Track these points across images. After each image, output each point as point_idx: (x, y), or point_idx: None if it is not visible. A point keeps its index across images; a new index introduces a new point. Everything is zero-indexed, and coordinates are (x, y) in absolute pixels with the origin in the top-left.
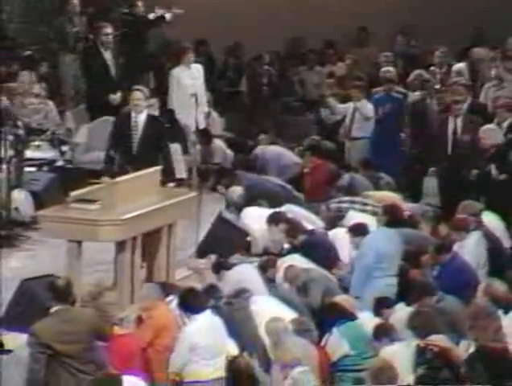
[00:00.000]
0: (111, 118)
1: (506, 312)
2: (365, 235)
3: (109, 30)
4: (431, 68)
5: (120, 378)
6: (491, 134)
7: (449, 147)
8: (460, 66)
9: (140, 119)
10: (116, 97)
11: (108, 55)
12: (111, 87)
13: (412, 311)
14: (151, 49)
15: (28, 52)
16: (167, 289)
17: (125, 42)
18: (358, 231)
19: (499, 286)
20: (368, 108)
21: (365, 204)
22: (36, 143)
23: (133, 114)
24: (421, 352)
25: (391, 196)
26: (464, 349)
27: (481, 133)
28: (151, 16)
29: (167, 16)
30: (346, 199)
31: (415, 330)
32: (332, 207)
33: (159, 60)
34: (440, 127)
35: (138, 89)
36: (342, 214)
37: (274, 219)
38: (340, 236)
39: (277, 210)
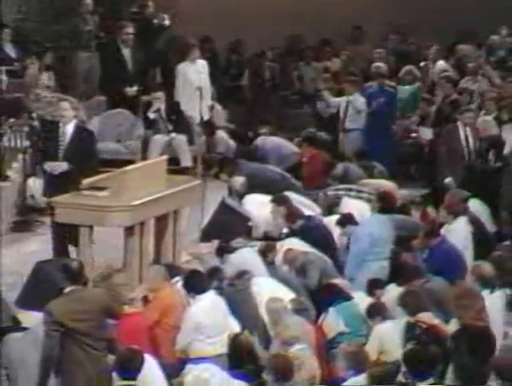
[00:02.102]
0: (122, 110)
1: (492, 292)
2: (353, 223)
3: (130, 29)
4: (421, 64)
5: (141, 351)
6: (487, 126)
7: (466, 157)
8: (442, 63)
9: (67, 129)
10: (132, 90)
11: (126, 52)
12: (128, 81)
13: (403, 291)
14: (159, 45)
15: (42, 49)
16: (173, 270)
17: (135, 39)
18: (346, 221)
19: (486, 267)
20: (360, 101)
21: (361, 192)
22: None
23: (60, 124)
24: (410, 328)
25: (387, 184)
26: (453, 326)
27: (478, 125)
28: (155, 21)
29: (166, 22)
30: (343, 186)
31: (405, 308)
32: (329, 194)
33: (166, 56)
34: (452, 137)
35: (65, 99)
36: (339, 201)
37: (277, 201)
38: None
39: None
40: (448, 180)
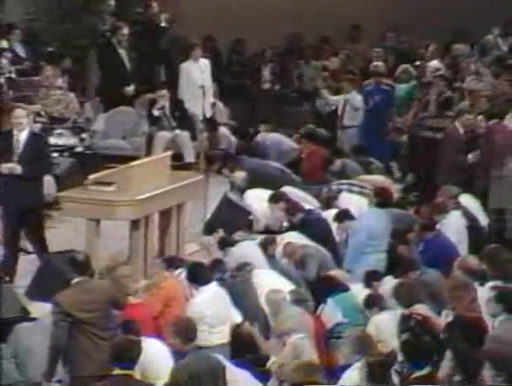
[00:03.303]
0: (127, 108)
1: (482, 284)
2: (350, 218)
3: (126, 31)
4: (418, 63)
5: (139, 341)
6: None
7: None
8: (436, 62)
9: (21, 137)
10: (130, 89)
11: (122, 51)
12: (126, 80)
13: (396, 283)
14: (162, 45)
15: (50, 49)
16: (176, 262)
17: (140, 39)
18: (343, 217)
19: (472, 260)
20: (357, 99)
21: (363, 187)
22: (58, 131)
23: (15, 132)
24: (405, 320)
25: (383, 180)
26: (445, 317)
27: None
28: (156, 22)
29: (163, 24)
30: (345, 181)
31: (399, 299)
32: (332, 188)
33: (170, 55)
34: (453, 138)
35: (19, 107)
36: (338, 195)
37: (274, 198)
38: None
39: (278, 190)
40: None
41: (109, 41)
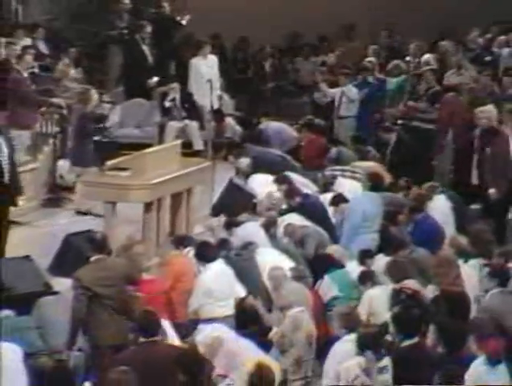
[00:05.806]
0: (141, 100)
1: (466, 261)
2: (344, 201)
3: (149, 29)
4: (407, 58)
5: (157, 314)
6: (486, 114)
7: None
8: (429, 56)
9: None
10: (153, 82)
11: (145, 48)
12: (149, 73)
13: (389, 261)
14: (174, 42)
15: (72, 48)
16: (186, 242)
17: (155, 36)
18: (338, 201)
19: (461, 239)
20: (352, 92)
21: (354, 172)
22: None
23: None
24: (396, 294)
25: (376, 166)
26: (431, 292)
27: (478, 113)
28: (178, 18)
29: (184, 22)
30: (338, 167)
31: (391, 276)
32: (326, 174)
33: (181, 52)
34: (501, 146)
35: None
36: (334, 180)
37: (279, 180)
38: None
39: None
40: (491, 191)
41: (133, 38)
